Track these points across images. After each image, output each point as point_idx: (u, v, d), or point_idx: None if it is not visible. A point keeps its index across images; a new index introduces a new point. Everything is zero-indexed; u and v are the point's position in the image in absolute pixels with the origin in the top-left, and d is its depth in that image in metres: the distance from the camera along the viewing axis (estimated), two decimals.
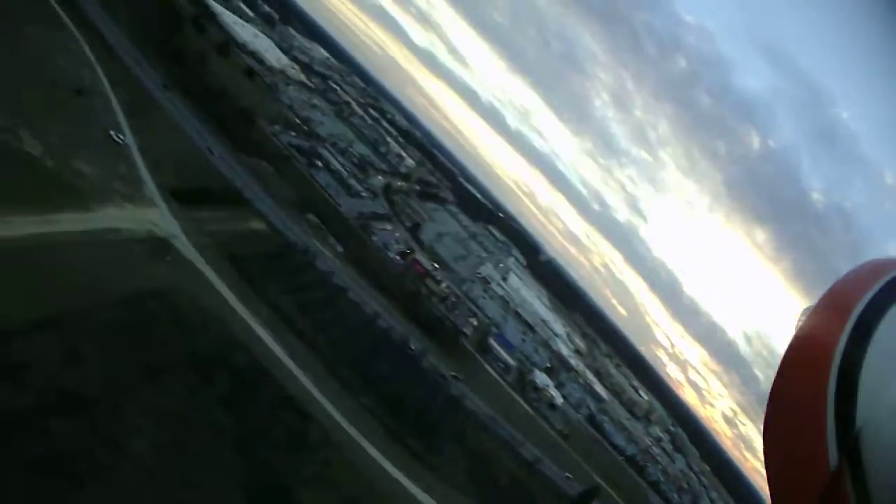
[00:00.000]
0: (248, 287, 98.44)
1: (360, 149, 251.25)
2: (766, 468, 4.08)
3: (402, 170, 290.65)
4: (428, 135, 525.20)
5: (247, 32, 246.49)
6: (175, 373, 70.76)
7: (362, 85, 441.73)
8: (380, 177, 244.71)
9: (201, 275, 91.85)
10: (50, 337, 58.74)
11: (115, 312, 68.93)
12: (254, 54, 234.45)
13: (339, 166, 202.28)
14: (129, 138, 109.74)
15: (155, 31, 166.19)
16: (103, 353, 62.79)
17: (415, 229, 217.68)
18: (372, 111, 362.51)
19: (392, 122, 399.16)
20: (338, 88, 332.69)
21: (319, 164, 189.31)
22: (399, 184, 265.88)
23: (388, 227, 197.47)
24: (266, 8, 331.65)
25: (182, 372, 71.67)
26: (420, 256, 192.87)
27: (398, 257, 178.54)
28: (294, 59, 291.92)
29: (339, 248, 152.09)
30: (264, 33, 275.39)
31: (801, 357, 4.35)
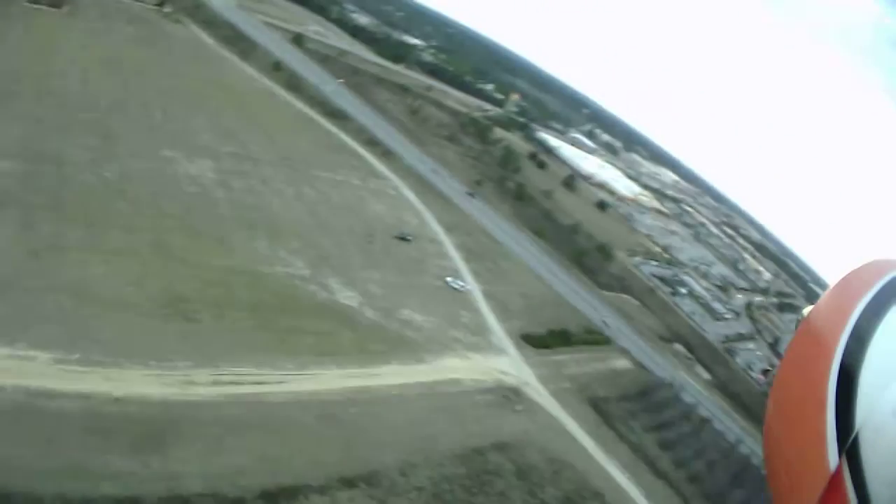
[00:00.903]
0: (609, 429, 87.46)
1: (721, 269, 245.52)
2: (767, 468, 4.16)
3: (761, 285, 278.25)
4: (780, 245, 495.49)
5: (591, 164, 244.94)
6: None
7: (714, 204, 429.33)
8: (740, 295, 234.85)
9: (556, 421, 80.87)
10: (355, 493, 52.41)
11: (445, 467, 61.45)
12: (602, 185, 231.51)
13: (702, 291, 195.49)
14: (470, 283, 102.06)
15: (492, 172, 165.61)
16: None
17: (775, 344, 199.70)
18: (727, 229, 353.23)
19: (746, 237, 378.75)
20: (692, 210, 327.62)
21: (683, 291, 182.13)
22: (759, 300, 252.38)
23: (751, 346, 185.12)
24: (607, 137, 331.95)
25: None
26: None
27: (761, 376, 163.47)
28: (645, 186, 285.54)
29: (706, 376, 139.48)
30: (609, 163, 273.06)
31: (802, 357, 4.38)
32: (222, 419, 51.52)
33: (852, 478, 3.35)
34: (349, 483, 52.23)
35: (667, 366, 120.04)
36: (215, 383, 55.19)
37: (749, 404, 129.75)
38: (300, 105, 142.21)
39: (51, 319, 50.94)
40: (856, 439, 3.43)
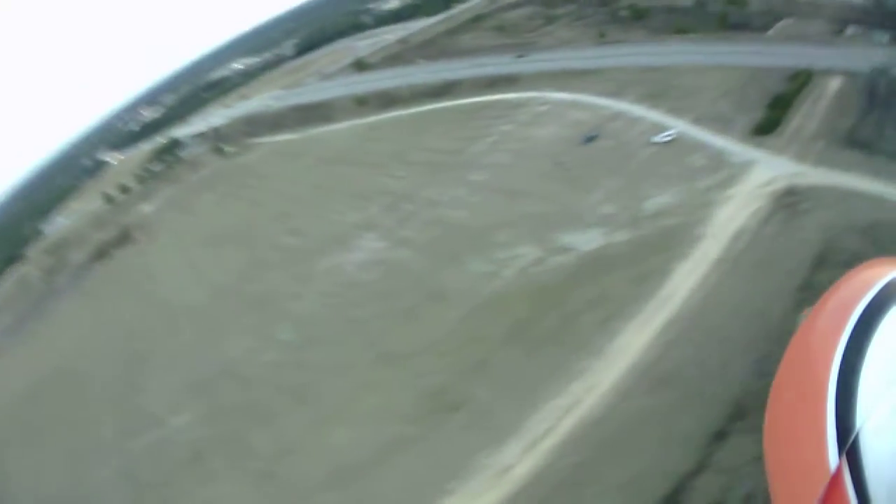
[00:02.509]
0: (866, 153, 74.01)
1: None
2: (767, 468, 4.08)
3: None
4: None
5: None
6: None
7: None
8: None
9: (840, 187, 69.56)
10: None
11: None
12: None
13: None
14: (672, 125, 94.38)
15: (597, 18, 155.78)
16: None
17: None
18: None
19: None
20: None
21: None
22: None
23: None
24: None
25: None
26: None
27: None
28: None
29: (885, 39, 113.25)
30: None
31: (801, 357, 4.37)
32: None
33: (852, 478, 3.31)
34: None
35: (861, 55, 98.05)
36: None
37: None
38: (415, 109, 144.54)
39: None
40: (856, 439, 3.41)
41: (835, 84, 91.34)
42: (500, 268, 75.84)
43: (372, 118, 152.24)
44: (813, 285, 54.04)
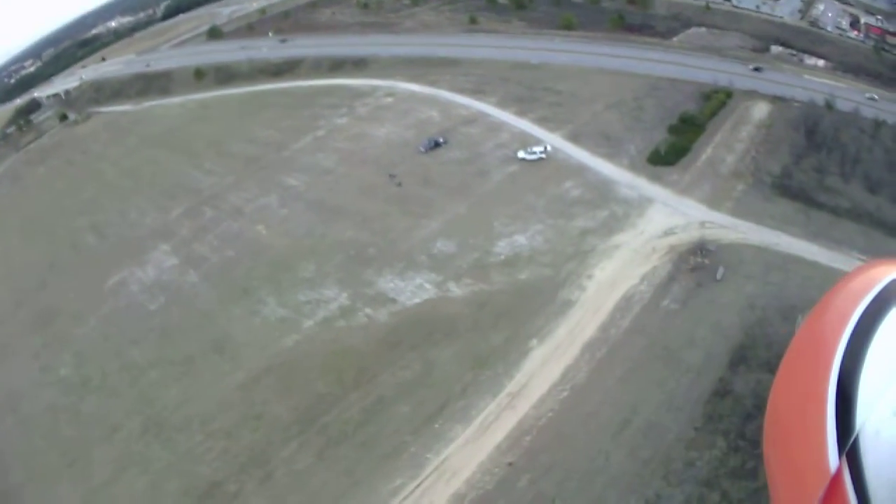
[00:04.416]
0: (815, 210, 60.03)
1: None
2: (767, 469, 4.18)
3: None
4: None
5: None
6: None
7: None
8: None
9: (771, 234, 54.96)
10: None
11: None
12: None
13: None
14: (546, 139, 74.21)
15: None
16: None
17: None
18: None
19: None
20: None
21: None
22: None
23: (821, 7, 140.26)
24: None
25: None
26: None
27: None
28: None
29: (821, 63, 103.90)
30: None
31: (802, 358, 4.36)
32: None
33: (852, 479, 3.27)
34: None
35: (792, 79, 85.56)
36: None
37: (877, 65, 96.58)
38: (250, 88, 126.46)
39: None
40: (856, 440, 3.36)
41: (761, 110, 73.51)
42: (299, 315, 57.96)
43: (207, 94, 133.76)
44: (731, 394, 38.76)
